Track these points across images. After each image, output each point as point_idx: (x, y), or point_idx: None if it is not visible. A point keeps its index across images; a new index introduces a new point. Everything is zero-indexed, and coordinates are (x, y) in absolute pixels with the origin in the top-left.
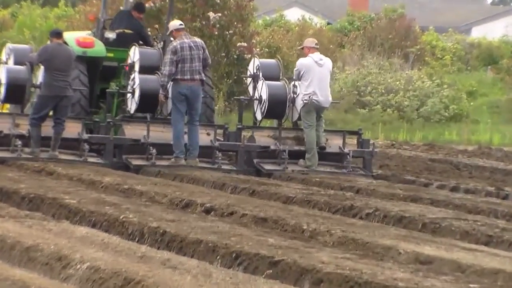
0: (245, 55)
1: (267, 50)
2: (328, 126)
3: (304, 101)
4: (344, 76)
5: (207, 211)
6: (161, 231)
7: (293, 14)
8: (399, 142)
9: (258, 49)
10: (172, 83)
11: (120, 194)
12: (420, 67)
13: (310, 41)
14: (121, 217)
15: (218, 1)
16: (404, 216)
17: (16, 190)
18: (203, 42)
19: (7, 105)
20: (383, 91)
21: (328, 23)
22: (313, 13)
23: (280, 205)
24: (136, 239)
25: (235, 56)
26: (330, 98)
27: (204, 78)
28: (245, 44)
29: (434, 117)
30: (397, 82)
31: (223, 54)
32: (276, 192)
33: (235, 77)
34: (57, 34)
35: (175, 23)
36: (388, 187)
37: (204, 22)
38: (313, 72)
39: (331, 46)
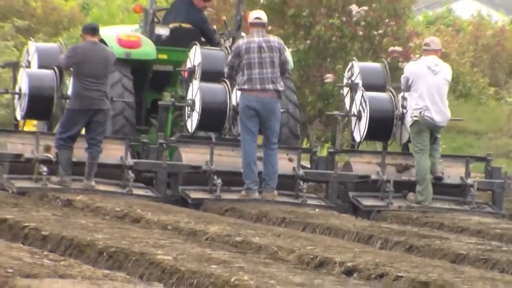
0: (400, 64)
1: None
2: None
3: (414, 118)
4: None
5: (349, 272)
6: None
7: (465, 8)
8: None
9: (417, 55)
10: (239, 94)
11: (231, 248)
12: None
13: (429, 41)
14: (232, 280)
15: None
16: None
17: (92, 243)
18: (281, 42)
19: (34, 122)
20: None
21: None
22: (492, 7)
23: (447, 264)
24: None
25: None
26: (449, 115)
27: (281, 89)
28: (400, 49)
29: None
30: None
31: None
32: (442, 247)
33: None
34: (91, 30)
35: (252, 15)
36: None
37: (344, 19)
38: (425, 81)
39: None
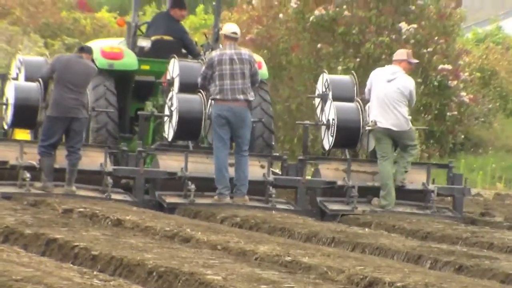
0: (450, 82)
1: (478, 74)
2: None
3: (367, 127)
4: None
5: None
6: None
7: None
8: None
9: (466, 74)
10: (212, 104)
11: (281, 268)
12: None
13: (397, 53)
14: None
15: (413, 8)
16: None
17: (141, 262)
18: (252, 55)
19: (27, 131)
20: None
21: None
22: None
23: (496, 285)
24: None
25: (435, 83)
26: (402, 121)
27: (251, 99)
28: (450, 67)
29: None
30: None
31: (420, 80)
32: (492, 267)
33: (436, 112)
34: (81, 49)
35: (228, 28)
36: None
37: (393, 36)
38: (378, 89)
39: None
